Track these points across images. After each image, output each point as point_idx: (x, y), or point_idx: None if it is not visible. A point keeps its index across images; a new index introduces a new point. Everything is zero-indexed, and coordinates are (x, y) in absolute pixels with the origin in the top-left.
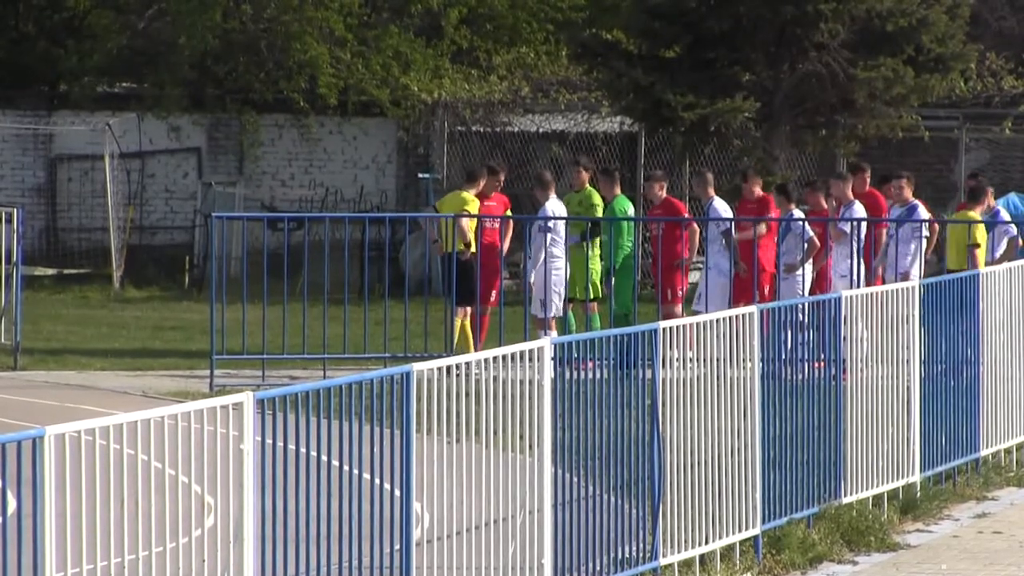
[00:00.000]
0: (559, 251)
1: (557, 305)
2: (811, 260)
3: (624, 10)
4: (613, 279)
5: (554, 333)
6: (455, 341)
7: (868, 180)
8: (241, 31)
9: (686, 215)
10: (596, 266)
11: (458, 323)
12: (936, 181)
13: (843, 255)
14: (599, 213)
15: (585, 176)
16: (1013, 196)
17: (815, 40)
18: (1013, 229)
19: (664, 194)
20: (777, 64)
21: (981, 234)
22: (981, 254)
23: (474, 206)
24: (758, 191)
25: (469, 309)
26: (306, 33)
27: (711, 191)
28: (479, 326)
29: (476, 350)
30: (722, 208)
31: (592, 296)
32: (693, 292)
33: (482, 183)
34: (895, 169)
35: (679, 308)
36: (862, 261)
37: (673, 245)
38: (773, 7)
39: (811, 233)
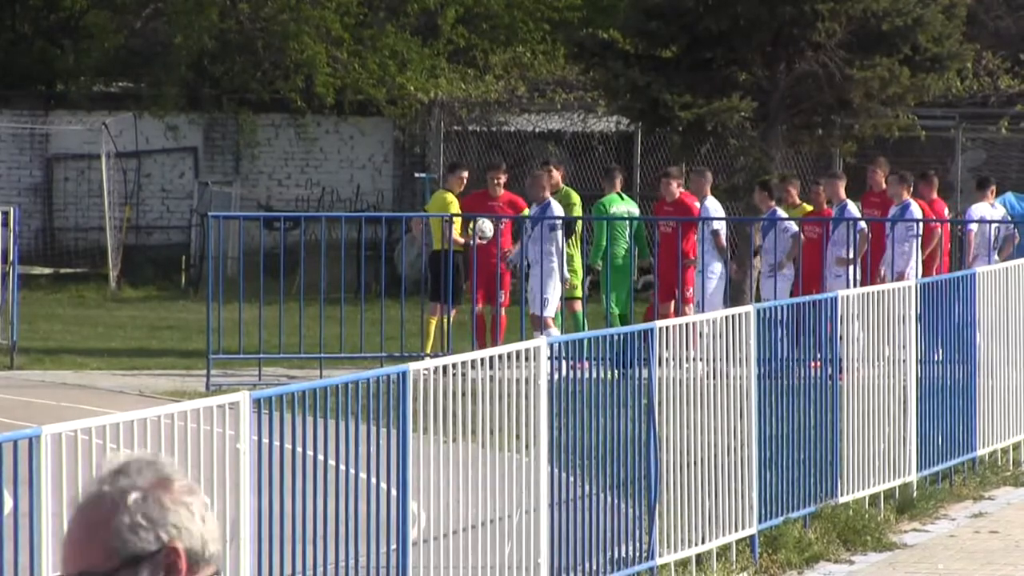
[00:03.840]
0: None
1: (556, 304)
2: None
3: (621, 10)
4: (608, 276)
5: (555, 331)
6: (429, 341)
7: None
8: (238, 31)
9: (697, 215)
10: (577, 266)
11: (433, 322)
12: None
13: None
14: (577, 212)
15: (555, 175)
16: (1010, 196)
17: (812, 40)
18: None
19: (679, 192)
20: (774, 64)
21: None
22: None
23: (455, 206)
24: (677, 191)
25: (440, 308)
26: (303, 32)
27: (707, 190)
28: (497, 326)
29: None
30: (715, 208)
31: (576, 295)
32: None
33: (464, 175)
34: (891, 169)
35: (691, 308)
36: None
37: (685, 244)
38: (770, 7)
39: (795, 229)
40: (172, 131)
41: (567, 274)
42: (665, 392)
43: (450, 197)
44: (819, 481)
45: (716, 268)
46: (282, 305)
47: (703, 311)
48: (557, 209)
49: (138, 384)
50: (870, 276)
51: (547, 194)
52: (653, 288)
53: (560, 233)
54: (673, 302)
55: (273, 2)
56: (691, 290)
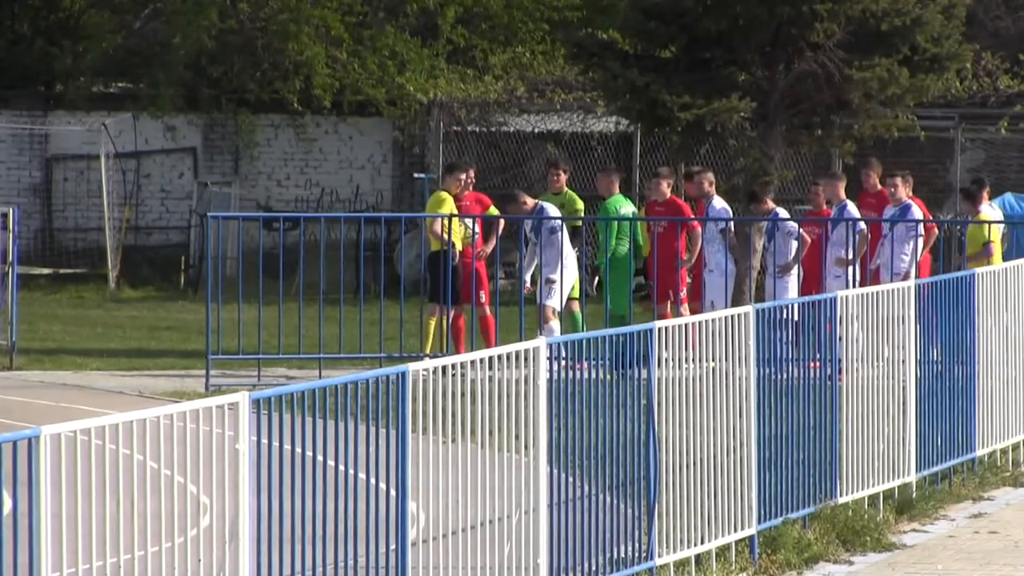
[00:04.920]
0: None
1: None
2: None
3: (620, 10)
4: (608, 277)
5: (555, 323)
6: (429, 342)
7: (876, 177)
8: (237, 31)
9: (690, 215)
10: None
11: (432, 323)
12: (932, 181)
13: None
14: (581, 215)
15: (563, 178)
16: (1009, 196)
17: (811, 40)
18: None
19: (670, 192)
20: (773, 64)
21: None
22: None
23: (447, 205)
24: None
25: (439, 308)
26: (302, 32)
27: (711, 190)
28: (486, 327)
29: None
30: (721, 207)
31: (575, 295)
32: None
33: (462, 177)
34: (890, 169)
35: (685, 308)
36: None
37: (676, 245)
38: (769, 7)
39: (801, 231)
40: (171, 131)
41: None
42: (664, 392)
43: (443, 196)
44: (818, 481)
45: (722, 267)
46: (281, 305)
47: (712, 308)
48: (552, 209)
49: (137, 385)
50: (868, 275)
51: (530, 206)
52: (650, 289)
53: (561, 234)
54: (670, 303)
55: (273, 2)
56: (685, 291)
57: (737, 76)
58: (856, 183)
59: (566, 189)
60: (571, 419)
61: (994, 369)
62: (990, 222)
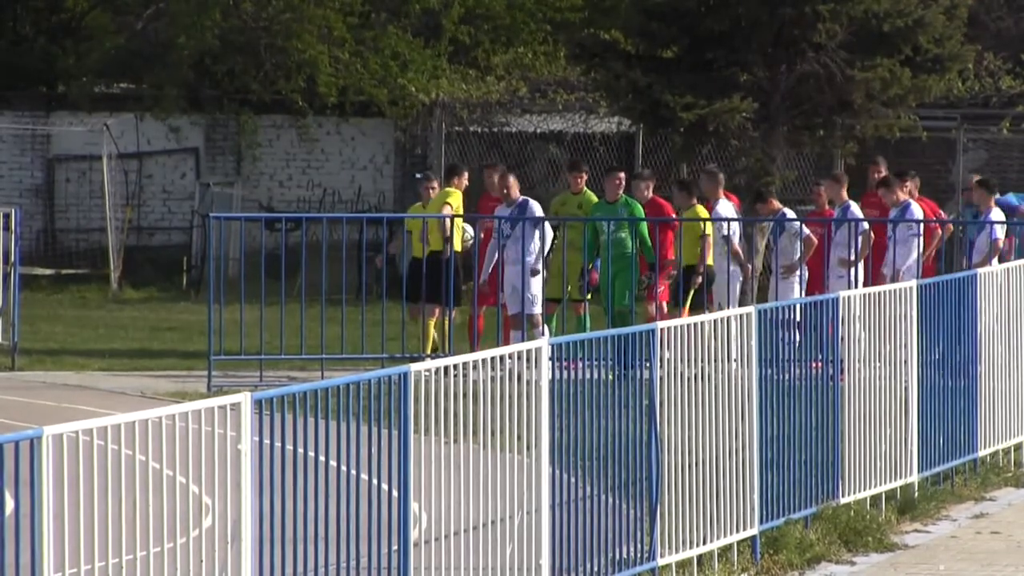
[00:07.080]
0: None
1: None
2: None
3: (622, 11)
4: (611, 274)
5: (543, 328)
6: (429, 343)
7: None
8: (240, 31)
9: (673, 215)
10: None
11: (431, 324)
12: (934, 182)
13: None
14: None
15: (583, 180)
16: (1011, 197)
17: (813, 41)
18: (998, 231)
19: (651, 194)
20: (775, 65)
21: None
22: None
23: (456, 198)
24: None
25: (438, 309)
26: (305, 31)
27: (720, 191)
28: (474, 327)
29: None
30: (727, 210)
31: (583, 297)
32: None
33: (459, 179)
34: (892, 169)
35: (663, 306)
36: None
37: (661, 249)
38: (771, 8)
39: (805, 232)
40: (173, 132)
41: (540, 268)
42: (666, 393)
43: (450, 190)
44: (820, 482)
45: (724, 268)
46: (283, 306)
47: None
48: (536, 208)
49: (139, 385)
50: (871, 277)
51: (517, 193)
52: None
53: (539, 232)
54: (655, 303)
55: (276, 1)
56: (663, 288)
57: (739, 77)
58: (859, 183)
59: (585, 189)
60: (573, 420)
61: (996, 369)
62: (709, 219)
